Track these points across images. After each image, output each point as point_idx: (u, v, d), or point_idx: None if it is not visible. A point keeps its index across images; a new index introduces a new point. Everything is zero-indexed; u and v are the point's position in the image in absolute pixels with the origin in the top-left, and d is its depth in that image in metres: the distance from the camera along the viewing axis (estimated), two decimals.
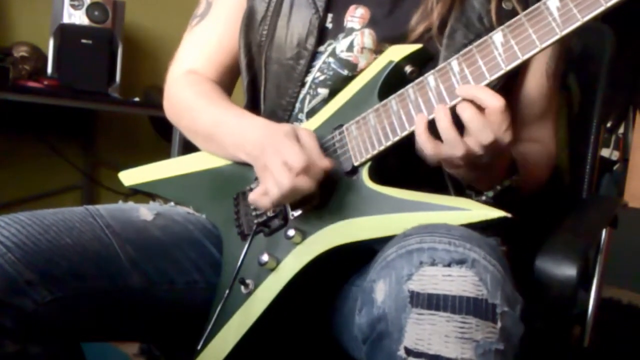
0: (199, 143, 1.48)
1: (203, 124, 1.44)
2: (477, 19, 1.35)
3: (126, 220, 1.32)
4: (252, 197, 1.23)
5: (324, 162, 1.20)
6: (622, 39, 1.78)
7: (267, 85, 1.44)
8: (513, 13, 1.31)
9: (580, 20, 1.09)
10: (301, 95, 1.41)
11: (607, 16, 1.12)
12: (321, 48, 1.40)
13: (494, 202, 1.27)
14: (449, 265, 0.97)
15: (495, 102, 1.13)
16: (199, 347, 1.21)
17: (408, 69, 1.29)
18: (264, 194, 1.21)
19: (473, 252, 0.99)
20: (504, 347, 0.96)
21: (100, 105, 3.70)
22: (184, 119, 1.51)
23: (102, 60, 3.53)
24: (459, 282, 0.96)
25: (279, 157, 1.19)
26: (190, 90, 1.49)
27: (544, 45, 1.12)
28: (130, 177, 1.52)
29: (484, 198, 1.28)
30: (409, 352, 0.95)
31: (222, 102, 1.46)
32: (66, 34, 3.47)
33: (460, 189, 1.30)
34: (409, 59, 1.29)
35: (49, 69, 3.48)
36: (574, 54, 1.48)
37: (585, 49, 1.64)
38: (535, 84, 1.44)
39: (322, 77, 1.39)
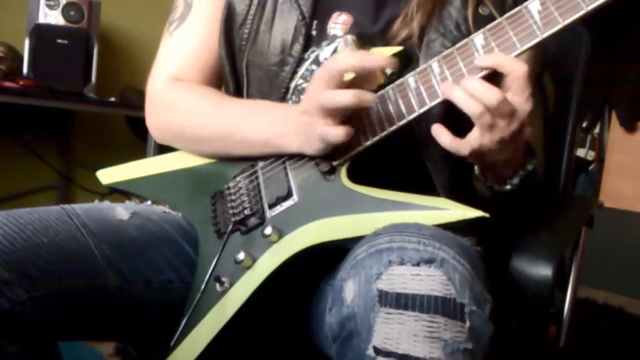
0: (209, 147, 1.41)
1: (216, 123, 1.38)
2: (455, 26, 1.35)
3: (102, 220, 1.32)
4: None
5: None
6: (598, 39, 1.79)
7: (250, 89, 1.43)
8: (490, 18, 1.32)
9: (561, 23, 1.12)
10: (285, 101, 1.40)
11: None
12: (304, 55, 1.40)
13: (519, 190, 1.29)
14: (417, 264, 0.97)
15: (518, 67, 1.15)
16: (171, 345, 1.21)
17: (388, 70, 1.29)
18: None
19: (442, 251, 0.99)
20: (472, 347, 0.96)
21: (76, 105, 3.69)
22: (188, 127, 1.43)
23: (77, 60, 3.53)
24: (428, 281, 0.96)
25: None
26: (188, 96, 1.44)
27: (524, 47, 1.15)
28: (107, 175, 1.52)
29: (509, 187, 1.29)
30: (377, 351, 0.95)
31: (230, 99, 1.44)
32: (42, 34, 3.47)
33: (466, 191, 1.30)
34: None
35: (25, 69, 3.46)
36: (549, 53, 1.49)
37: (561, 49, 1.64)
38: None
39: (304, 84, 1.38)
